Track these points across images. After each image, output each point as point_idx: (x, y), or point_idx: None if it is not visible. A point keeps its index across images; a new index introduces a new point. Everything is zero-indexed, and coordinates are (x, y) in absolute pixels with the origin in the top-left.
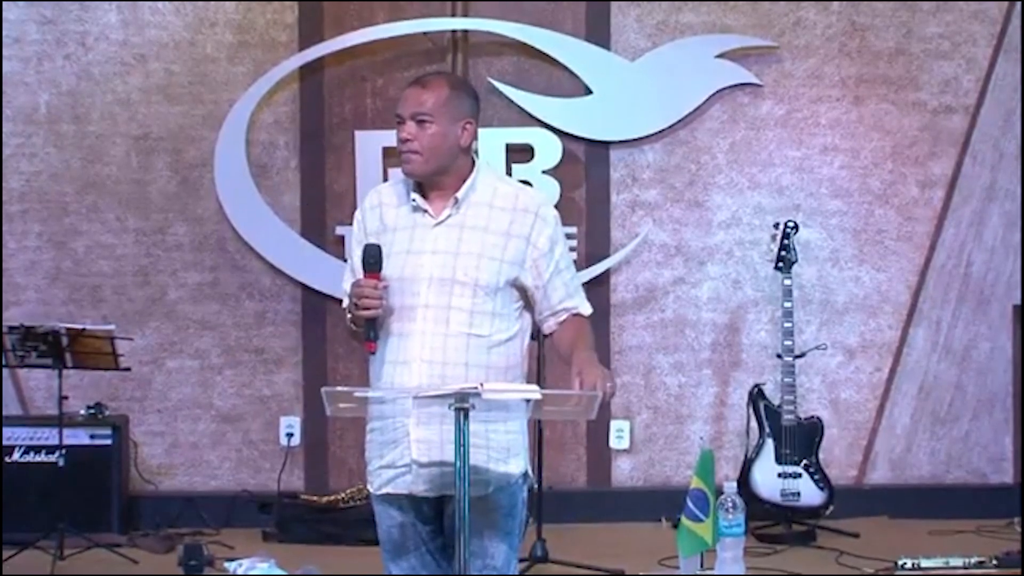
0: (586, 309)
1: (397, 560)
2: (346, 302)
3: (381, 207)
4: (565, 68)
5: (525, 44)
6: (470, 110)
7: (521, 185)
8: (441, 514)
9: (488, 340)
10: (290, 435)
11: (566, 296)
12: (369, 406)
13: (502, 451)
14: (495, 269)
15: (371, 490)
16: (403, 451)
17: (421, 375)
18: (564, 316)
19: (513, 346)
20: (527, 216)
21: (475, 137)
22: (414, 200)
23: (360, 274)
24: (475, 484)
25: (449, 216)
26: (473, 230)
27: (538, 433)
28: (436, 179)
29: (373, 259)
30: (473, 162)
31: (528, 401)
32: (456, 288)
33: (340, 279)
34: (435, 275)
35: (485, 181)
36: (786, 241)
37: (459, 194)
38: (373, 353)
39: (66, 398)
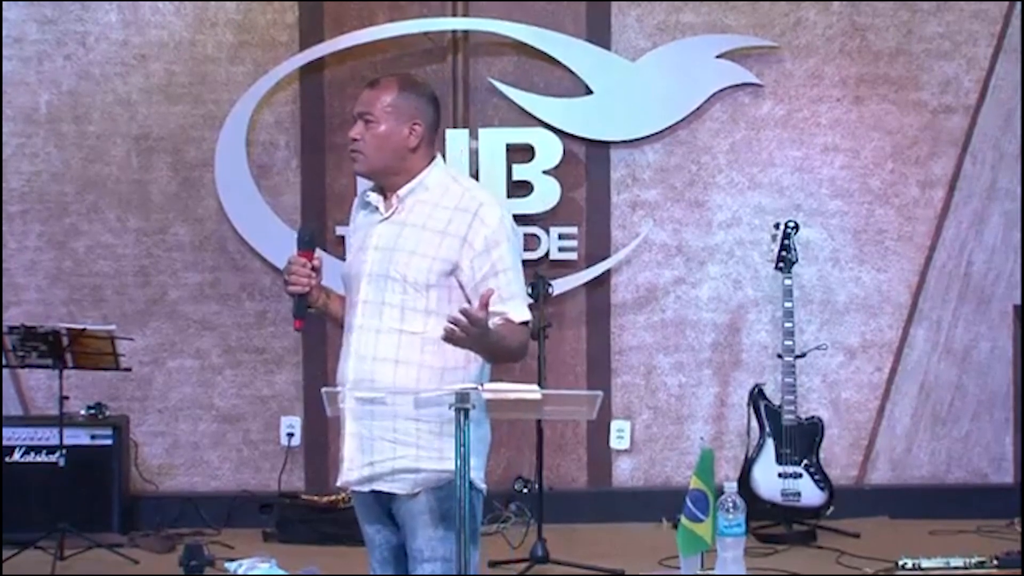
0: (517, 315)
1: (374, 557)
2: None
3: (358, 208)
4: (566, 68)
5: (526, 44)
6: (418, 112)
7: (474, 186)
8: (392, 513)
9: (421, 337)
10: (290, 435)
11: (498, 300)
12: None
13: (434, 451)
14: (425, 266)
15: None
16: (344, 444)
17: (355, 370)
18: (496, 319)
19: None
20: (466, 215)
21: (425, 138)
22: (368, 198)
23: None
24: (404, 482)
25: (393, 213)
26: (413, 227)
27: (538, 433)
28: (386, 179)
29: (308, 237)
30: (431, 161)
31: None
32: (389, 283)
33: (340, 279)
34: (373, 271)
35: (439, 180)
36: (786, 241)
37: (401, 192)
38: (299, 330)
39: (66, 398)
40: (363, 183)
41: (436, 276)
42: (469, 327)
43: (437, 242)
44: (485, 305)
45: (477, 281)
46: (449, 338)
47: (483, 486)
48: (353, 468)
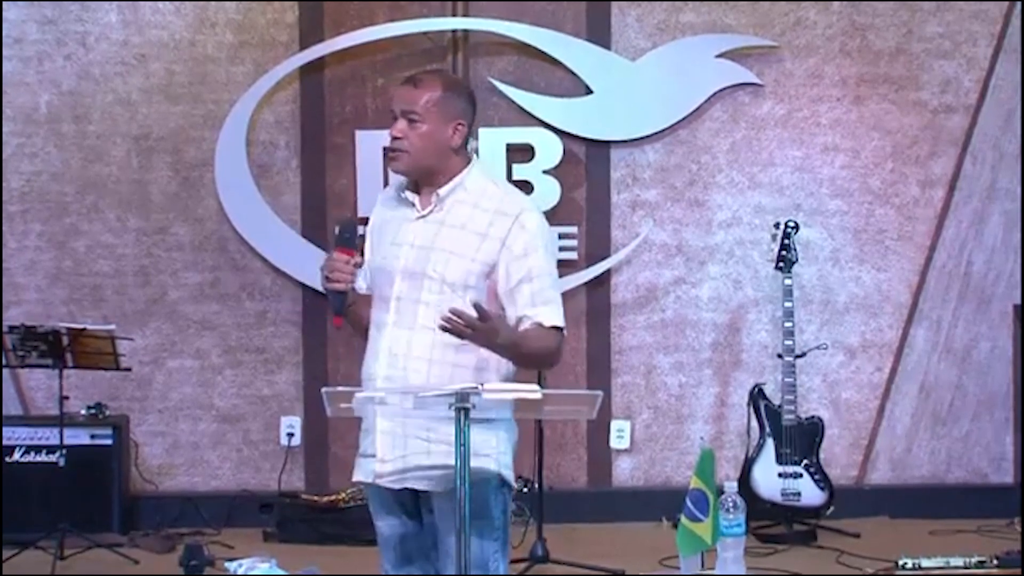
0: (548, 319)
1: (387, 556)
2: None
3: (387, 202)
4: (566, 68)
5: (526, 44)
6: (462, 111)
7: (512, 189)
8: (422, 510)
9: (456, 338)
10: (291, 435)
11: (529, 304)
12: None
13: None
14: (464, 267)
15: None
16: (372, 440)
17: (387, 367)
18: (527, 324)
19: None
20: (506, 219)
21: (467, 138)
22: (404, 194)
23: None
24: (437, 480)
25: (431, 212)
26: (452, 227)
27: (538, 433)
28: (425, 178)
29: (348, 234)
30: (468, 162)
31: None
32: (425, 283)
33: None
34: (408, 268)
35: (476, 181)
36: (787, 241)
37: (441, 191)
38: (339, 328)
39: (67, 398)
40: (365, 183)
41: (475, 278)
42: (473, 323)
43: (477, 244)
44: (483, 315)
45: (512, 286)
46: (447, 329)
47: (514, 484)
48: (386, 464)
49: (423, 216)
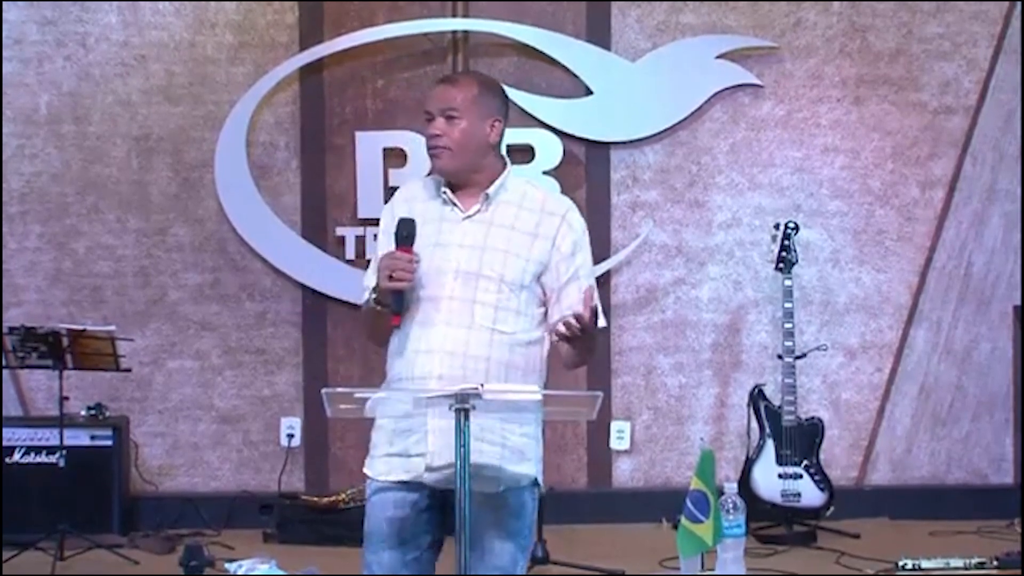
0: (601, 320)
1: (378, 552)
2: (366, 296)
3: (412, 201)
4: (566, 69)
5: (526, 45)
6: (498, 109)
7: (550, 189)
8: (445, 506)
9: (512, 338)
10: (291, 436)
11: (578, 303)
12: (375, 398)
13: (516, 452)
14: (520, 266)
15: (372, 476)
16: (419, 440)
17: (443, 365)
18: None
19: (535, 349)
20: (554, 219)
21: (502, 135)
22: (445, 193)
23: None
24: (486, 481)
25: (478, 212)
26: (500, 227)
27: None
28: (466, 176)
29: (407, 232)
30: (505, 163)
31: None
32: (481, 282)
33: (340, 280)
34: (461, 268)
35: (515, 183)
36: (787, 242)
37: (490, 191)
38: (398, 327)
39: (67, 399)
40: (365, 184)
41: (529, 277)
42: (587, 327)
43: (529, 243)
44: (591, 306)
45: (561, 284)
46: (562, 334)
47: (543, 487)
48: (438, 463)
49: (469, 216)
